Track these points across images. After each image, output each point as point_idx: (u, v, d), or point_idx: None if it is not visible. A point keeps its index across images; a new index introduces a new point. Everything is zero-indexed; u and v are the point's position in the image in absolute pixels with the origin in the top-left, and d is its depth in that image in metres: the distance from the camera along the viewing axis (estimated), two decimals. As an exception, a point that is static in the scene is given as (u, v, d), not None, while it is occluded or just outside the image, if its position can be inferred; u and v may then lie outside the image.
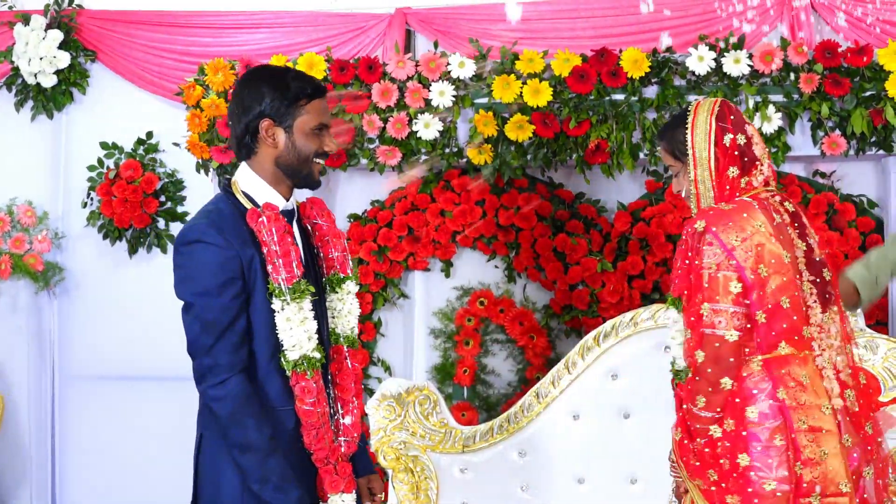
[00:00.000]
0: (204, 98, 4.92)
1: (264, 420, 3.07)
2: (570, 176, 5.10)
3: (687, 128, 3.23)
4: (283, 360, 3.10)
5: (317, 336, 3.13)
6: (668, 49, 4.81)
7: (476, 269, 5.16)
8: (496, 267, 5.15)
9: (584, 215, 5.06)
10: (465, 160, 4.88)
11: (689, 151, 3.22)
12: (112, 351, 5.32)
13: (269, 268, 3.08)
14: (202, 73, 4.95)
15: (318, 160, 3.17)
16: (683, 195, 3.29)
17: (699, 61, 4.71)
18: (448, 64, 4.83)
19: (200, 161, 5.01)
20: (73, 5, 5.25)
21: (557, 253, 5.03)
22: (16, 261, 5.20)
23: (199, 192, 5.16)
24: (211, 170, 5.01)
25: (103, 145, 5.26)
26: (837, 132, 4.74)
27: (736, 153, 3.21)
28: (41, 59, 5.15)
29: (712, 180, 3.21)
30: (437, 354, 5.15)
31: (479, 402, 5.13)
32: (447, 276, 5.13)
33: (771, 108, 4.70)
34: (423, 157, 4.90)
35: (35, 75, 5.19)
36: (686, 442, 3.22)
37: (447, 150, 4.87)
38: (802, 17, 4.92)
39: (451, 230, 5.06)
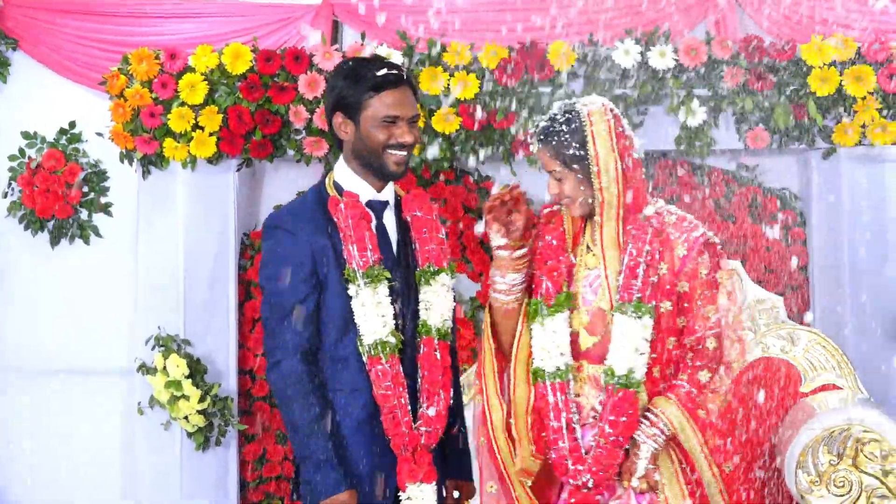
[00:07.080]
0: (128, 88, 4.85)
1: (313, 401, 3.14)
2: (497, 168, 5.10)
3: (585, 135, 3.22)
4: (359, 344, 3.17)
5: (393, 322, 3.19)
6: (595, 43, 4.84)
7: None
8: (423, 259, 5.14)
9: (511, 208, 5.07)
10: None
11: (592, 160, 3.21)
12: (37, 343, 5.22)
13: (345, 254, 3.17)
14: (126, 63, 4.88)
15: (392, 151, 3.22)
16: (566, 200, 3.32)
17: (625, 55, 4.75)
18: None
19: (124, 151, 4.94)
20: (-6, -8, 5.17)
21: (484, 245, 5.04)
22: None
23: (123, 182, 5.09)
24: (135, 160, 4.94)
25: (25, 135, 5.17)
26: (761, 126, 4.80)
27: (637, 157, 3.26)
28: (-40, 47, 5.07)
29: (618, 187, 3.23)
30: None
31: (406, 395, 5.11)
32: (374, 268, 5.12)
33: (695, 102, 4.75)
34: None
35: (-46, 64, 5.11)
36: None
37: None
38: (727, 13, 4.97)
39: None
